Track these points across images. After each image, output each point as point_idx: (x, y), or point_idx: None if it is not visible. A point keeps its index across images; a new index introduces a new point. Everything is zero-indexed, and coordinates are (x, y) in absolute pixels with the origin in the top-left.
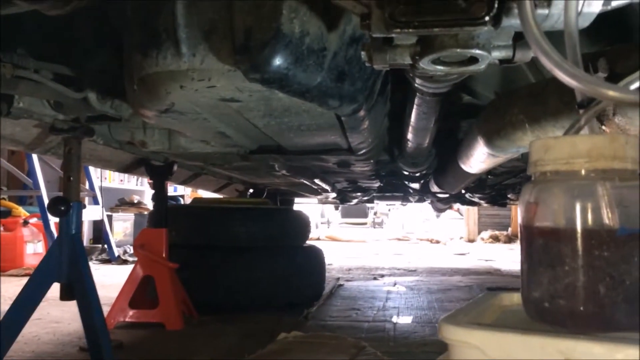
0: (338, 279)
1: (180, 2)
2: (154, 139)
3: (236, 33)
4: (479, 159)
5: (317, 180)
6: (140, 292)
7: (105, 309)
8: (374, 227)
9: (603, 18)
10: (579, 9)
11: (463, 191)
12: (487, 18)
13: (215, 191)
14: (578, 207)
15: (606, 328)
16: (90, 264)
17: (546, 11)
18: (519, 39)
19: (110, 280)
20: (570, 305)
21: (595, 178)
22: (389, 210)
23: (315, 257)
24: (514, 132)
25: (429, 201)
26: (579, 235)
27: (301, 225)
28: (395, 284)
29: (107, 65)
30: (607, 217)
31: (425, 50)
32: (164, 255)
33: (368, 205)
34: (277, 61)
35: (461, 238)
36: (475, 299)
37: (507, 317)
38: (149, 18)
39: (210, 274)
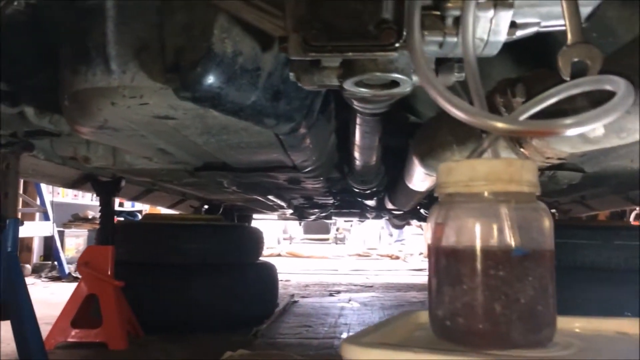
0: (292, 295)
1: (110, 20)
2: (97, 155)
3: (167, 52)
4: (418, 178)
5: (271, 197)
6: (83, 311)
7: (48, 329)
8: (336, 243)
9: (528, 44)
10: (486, 38)
11: (419, 207)
12: (397, 45)
13: (170, 207)
14: (476, 228)
15: (502, 346)
16: (39, 281)
17: (455, 39)
18: (441, 63)
19: (57, 299)
20: (468, 324)
21: (493, 200)
22: (351, 226)
23: (267, 274)
24: (443, 152)
25: (386, 218)
26: (476, 255)
27: (254, 241)
28: (350, 300)
29: (47, 82)
30: (503, 238)
31: (348, 73)
32: (109, 272)
33: (330, 221)
34: (209, 80)
35: (420, 254)
36: (390, 317)
37: (417, 336)
38: (80, 35)
39: (158, 292)
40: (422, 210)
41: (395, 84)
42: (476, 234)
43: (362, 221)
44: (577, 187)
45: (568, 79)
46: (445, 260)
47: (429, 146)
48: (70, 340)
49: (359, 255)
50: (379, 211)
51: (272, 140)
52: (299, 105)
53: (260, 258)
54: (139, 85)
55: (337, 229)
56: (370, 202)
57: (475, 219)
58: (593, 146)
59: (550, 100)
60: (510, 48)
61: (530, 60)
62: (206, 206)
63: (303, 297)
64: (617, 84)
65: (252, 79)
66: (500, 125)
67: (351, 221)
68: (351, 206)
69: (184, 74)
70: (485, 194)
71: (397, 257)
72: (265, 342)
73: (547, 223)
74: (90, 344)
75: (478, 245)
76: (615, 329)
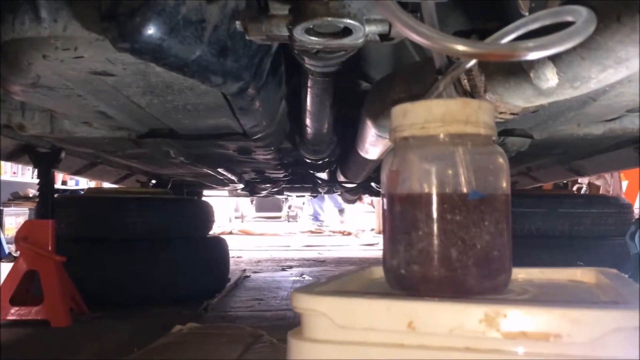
0: (244, 270)
1: None
2: (33, 122)
3: None
4: (370, 142)
5: (221, 170)
6: (23, 288)
7: None
8: (289, 221)
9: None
10: None
11: (372, 184)
12: None
13: (115, 182)
14: (431, 171)
15: (458, 292)
16: None
17: None
18: None
19: None
20: (423, 270)
21: (449, 143)
22: (304, 203)
23: (218, 248)
24: None
25: (339, 192)
26: (432, 199)
27: (203, 215)
28: (302, 275)
29: None
30: (459, 182)
31: (298, 19)
32: (49, 248)
33: (283, 198)
34: (149, 30)
35: (372, 230)
36: (344, 272)
37: (370, 288)
38: None
39: (103, 268)
40: (373, 184)
41: (347, 32)
42: (432, 178)
43: (315, 196)
44: (524, 157)
45: (527, 14)
46: (400, 208)
47: (381, 105)
48: (10, 318)
49: (311, 232)
50: (331, 185)
51: (220, 102)
52: (247, 63)
53: (211, 233)
54: (73, 36)
55: (290, 207)
56: (323, 175)
57: (430, 163)
58: (547, 98)
59: (510, 36)
60: (460, 3)
61: (483, 15)
62: (154, 181)
63: (255, 272)
64: (578, 12)
65: (196, 32)
66: (461, 47)
67: (303, 196)
68: (303, 180)
69: (122, 22)
70: (441, 136)
71: (349, 233)
72: (216, 316)
73: (504, 167)
74: (32, 322)
75: (434, 189)
76: (568, 278)
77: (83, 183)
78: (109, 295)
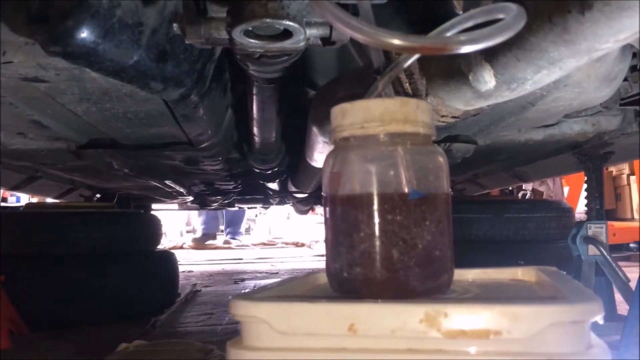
0: (195, 284)
1: None
2: None
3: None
4: (318, 149)
5: (169, 182)
6: None
7: None
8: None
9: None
10: None
11: (323, 194)
12: None
13: (57, 197)
14: (371, 171)
15: (401, 293)
16: None
17: None
18: None
19: None
20: (365, 272)
21: (389, 142)
22: (256, 216)
23: (167, 262)
24: None
25: (291, 203)
26: (373, 200)
27: (150, 229)
28: (255, 287)
29: None
30: (400, 181)
31: (236, 21)
32: None
33: None
34: (82, 33)
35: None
36: (288, 278)
37: (313, 294)
38: None
39: (44, 286)
40: (324, 194)
41: (287, 35)
42: (372, 178)
43: (266, 207)
44: (470, 164)
45: (461, 12)
46: (342, 209)
47: (325, 111)
48: None
49: (264, 244)
50: (283, 195)
51: (162, 110)
52: (188, 68)
53: (160, 247)
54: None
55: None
56: (273, 186)
57: (370, 163)
58: (486, 101)
59: (445, 34)
60: (402, 10)
61: (425, 21)
62: (98, 195)
63: (206, 286)
64: (509, 9)
65: (133, 36)
66: (396, 42)
67: (255, 208)
68: (254, 191)
69: (53, 25)
70: (381, 136)
71: (303, 244)
72: (165, 332)
73: (443, 166)
74: None
75: (374, 189)
76: (509, 277)
77: (25, 199)
78: (50, 314)
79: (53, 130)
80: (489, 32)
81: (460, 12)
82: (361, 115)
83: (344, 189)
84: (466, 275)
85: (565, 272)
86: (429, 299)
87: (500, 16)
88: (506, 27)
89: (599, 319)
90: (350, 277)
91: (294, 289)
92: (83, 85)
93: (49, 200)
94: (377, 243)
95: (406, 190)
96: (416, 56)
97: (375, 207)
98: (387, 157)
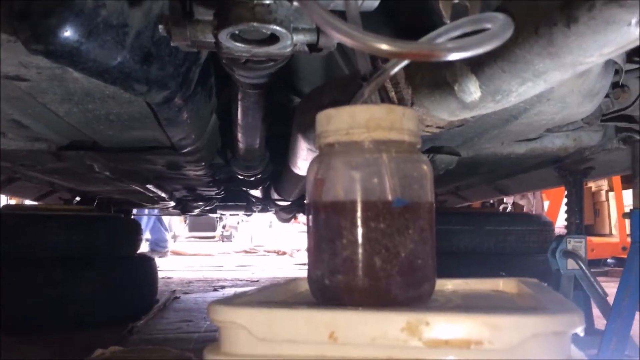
0: (174, 291)
1: None
2: None
3: None
4: (302, 157)
5: (150, 187)
6: None
7: None
8: (223, 241)
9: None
10: None
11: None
12: None
13: (36, 200)
14: (356, 178)
15: (382, 302)
16: None
17: None
18: None
19: None
20: (347, 280)
21: (374, 149)
22: (238, 223)
23: (145, 268)
24: None
25: (273, 211)
26: (356, 207)
27: (130, 233)
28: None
29: None
30: (384, 189)
31: (223, 24)
32: None
33: (217, 218)
34: (65, 32)
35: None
36: (268, 285)
37: (294, 300)
38: None
39: (20, 289)
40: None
41: (274, 39)
42: (356, 185)
43: (249, 215)
44: (453, 176)
45: (448, 21)
46: (325, 216)
47: (311, 118)
48: None
49: (246, 251)
50: (265, 203)
51: (145, 112)
52: (173, 71)
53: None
54: None
55: (224, 226)
56: (256, 193)
57: (355, 170)
58: (470, 112)
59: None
60: (390, 19)
61: (408, 31)
62: (78, 198)
63: (185, 293)
64: (496, 19)
65: (118, 37)
66: (384, 46)
67: (237, 215)
68: (237, 198)
69: (36, 22)
70: (366, 143)
71: (284, 253)
72: (142, 339)
73: (428, 175)
74: None
75: (358, 196)
76: (490, 288)
77: (3, 201)
78: (25, 318)
79: (33, 131)
80: (477, 40)
81: (448, 22)
82: (346, 121)
83: (327, 195)
84: (448, 285)
85: (546, 284)
86: (411, 308)
87: (488, 26)
88: (493, 36)
89: (580, 330)
90: (332, 284)
91: (274, 295)
92: (65, 85)
93: (28, 202)
94: (360, 250)
95: (390, 198)
96: (403, 63)
97: (359, 214)
98: (372, 164)
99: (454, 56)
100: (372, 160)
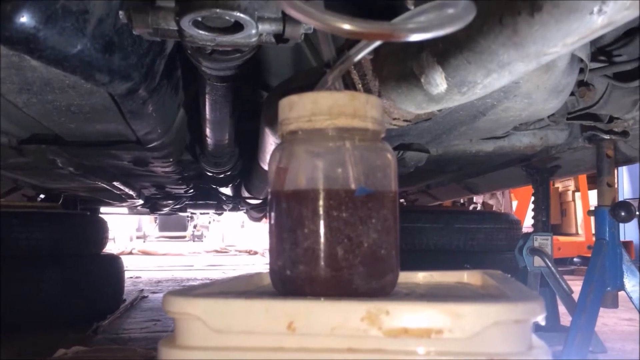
0: (142, 290)
1: None
2: None
3: None
4: (270, 151)
5: (117, 184)
6: None
7: None
8: (194, 241)
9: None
10: None
11: None
12: None
13: None
14: (318, 166)
15: (344, 293)
16: None
17: None
18: None
19: None
20: (309, 270)
21: (337, 137)
22: (209, 222)
23: (112, 267)
24: None
25: (244, 210)
26: (319, 195)
27: (95, 231)
28: None
29: None
30: (347, 177)
31: (185, 10)
32: None
33: (188, 217)
34: (22, 17)
35: None
36: (229, 277)
37: (255, 292)
38: None
39: None
40: None
41: (238, 27)
42: (319, 173)
43: (220, 214)
44: (423, 174)
45: (412, 7)
46: (287, 205)
47: (276, 111)
48: None
49: (217, 251)
50: (236, 201)
51: (108, 104)
52: (137, 61)
53: (105, 250)
54: None
55: (195, 226)
56: (227, 191)
57: (317, 157)
58: (437, 105)
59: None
60: (356, 7)
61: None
62: (42, 196)
63: (154, 292)
64: (457, 3)
65: (78, 23)
66: (346, 26)
67: (208, 213)
68: (207, 197)
69: None
70: (329, 130)
71: (256, 253)
72: (106, 338)
73: (392, 164)
74: None
75: (320, 185)
76: (455, 280)
77: None
78: None
79: None
80: (438, 21)
81: (412, 8)
82: (309, 108)
83: (289, 184)
84: (413, 278)
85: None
86: (371, 298)
87: (450, 10)
88: (455, 18)
89: (541, 319)
90: (293, 275)
91: (234, 287)
92: (23, 74)
93: None
94: (322, 240)
95: (353, 186)
96: (368, 49)
97: (321, 203)
98: (335, 152)
99: (415, 37)
100: (335, 148)
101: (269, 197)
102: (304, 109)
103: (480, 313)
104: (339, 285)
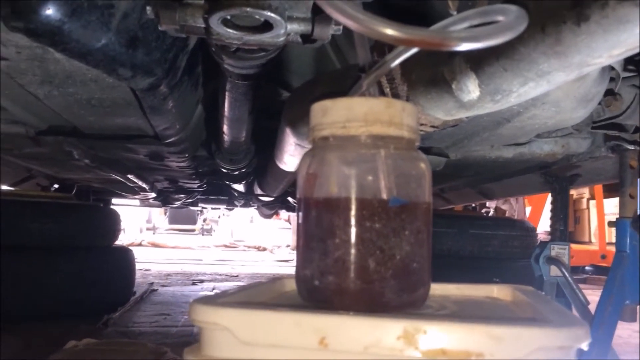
0: (152, 283)
1: None
2: None
3: None
4: (289, 152)
5: (131, 177)
6: None
7: None
8: (203, 234)
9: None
10: None
11: (289, 198)
12: None
13: (13, 185)
14: (351, 174)
15: (375, 306)
16: None
17: None
18: (318, 13)
19: None
20: (338, 282)
21: (371, 145)
22: (219, 217)
23: (123, 259)
24: None
25: (256, 206)
26: (350, 204)
27: (108, 224)
28: (213, 289)
29: None
30: (379, 187)
31: (215, 8)
32: None
33: (197, 211)
34: (47, 10)
35: (288, 246)
36: (253, 283)
37: (280, 301)
38: None
39: None
40: (290, 199)
41: (267, 27)
42: (351, 181)
43: (231, 209)
44: (438, 178)
45: (455, 13)
46: (317, 213)
47: (301, 111)
48: None
49: (226, 246)
50: (248, 198)
51: (129, 99)
52: (160, 57)
53: (117, 243)
54: None
55: (205, 220)
56: (239, 187)
57: (350, 165)
58: (467, 112)
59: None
60: (391, 11)
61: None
62: (56, 185)
63: (163, 285)
64: (508, 10)
65: (102, 17)
66: (390, 31)
67: (219, 208)
68: (219, 192)
69: None
70: (363, 137)
71: (265, 249)
72: (117, 331)
73: (426, 174)
74: None
75: (353, 194)
76: (484, 295)
77: None
78: None
79: (11, 113)
80: (490, 30)
81: (454, 13)
82: (343, 114)
83: (320, 191)
84: (439, 290)
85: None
86: (406, 314)
87: (499, 18)
88: (508, 27)
89: (585, 345)
90: (322, 285)
91: (259, 294)
92: (45, 66)
93: (4, 187)
94: (353, 251)
95: (386, 196)
96: (406, 55)
97: (353, 212)
98: (368, 160)
99: (466, 46)
100: (369, 156)
101: (298, 203)
102: (338, 114)
103: (523, 337)
104: (370, 299)
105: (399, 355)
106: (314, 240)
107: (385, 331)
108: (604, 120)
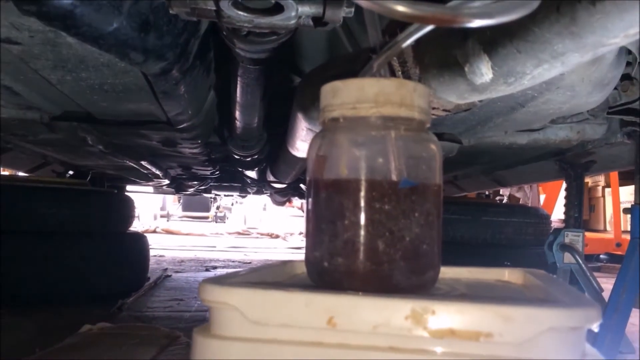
0: (166, 269)
1: None
2: None
3: None
4: (301, 137)
5: (145, 163)
6: None
7: None
8: (216, 222)
9: None
10: None
11: (301, 185)
12: None
13: (28, 172)
14: (361, 156)
15: (384, 288)
16: None
17: None
18: None
19: None
20: (348, 263)
21: (381, 126)
22: (232, 204)
23: (137, 245)
24: None
25: (268, 193)
26: (360, 186)
27: (123, 210)
28: None
29: None
30: (390, 168)
31: None
32: None
33: (211, 198)
34: None
35: (300, 233)
36: (263, 265)
37: (290, 281)
38: None
39: (8, 262)
40: (302, 186)
41: (278, 9)
42: (361, 163)
43: (244, 196)
44: (451, 165)
45: None
46: (326, 195)
47: (312, 96)
48: None
49: (239, 233)
50: (261, 185)
51: (141, 84)
52: (171, 41)
53: (132, 229)
54: None
55: (218, 207)
56: (252, 174)
57: (360, 147)
58: (480, 95)
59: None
60: None
61: None
62: (71, 172)
63: (177, 271)
64: None
65: (114, 1)
66: (401, 9)
67: (232, 196)
68: (232, 179)
69: None
70: (373, 118)
71: (277, 236)
72: (131, 316)
73: (437, 155)
74: None
75: (363, 175)
76: (496, 278)
77: None
78: (13, 290)
79: (25, 99)
80: (504, 6)
81: None
82: (354, 95)
83: (329, 173)
84: (450, 273)
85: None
86: (415, 295)
87: None
88: (520, 4)
89: (596, 326)
90: (331, 267)
91: (268, 276)
92: (58, 50)
93: (20, 174)
94: (362, 232)
95: (396, 178)
96: (417, 35)
97: (363, 194)
98: (379, 141)
99: (478, 23)
100: (379, 138)
101: (307, 185)
102: (348, 95)
103: (534, 317)
104: (379, 280)
105: (407, 334)
106: (324, 222)
107: (394, 311)
108: (620, 105)
